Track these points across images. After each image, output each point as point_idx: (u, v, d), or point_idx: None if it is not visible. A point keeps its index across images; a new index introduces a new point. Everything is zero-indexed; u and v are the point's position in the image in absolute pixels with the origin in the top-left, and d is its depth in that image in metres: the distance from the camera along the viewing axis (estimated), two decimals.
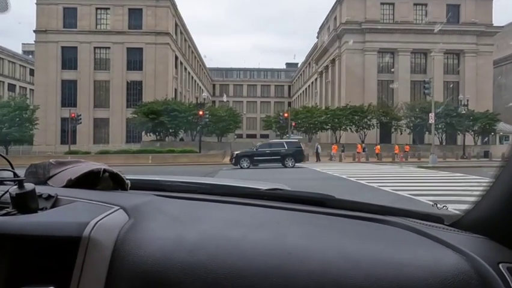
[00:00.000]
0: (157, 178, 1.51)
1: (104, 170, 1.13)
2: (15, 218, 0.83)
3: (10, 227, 0.78)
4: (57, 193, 0.98)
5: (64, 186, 1.10)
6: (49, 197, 0.96)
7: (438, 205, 1.33)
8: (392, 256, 0.81)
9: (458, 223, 1.03)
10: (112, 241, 0.80)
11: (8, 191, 0.91)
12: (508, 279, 0.75)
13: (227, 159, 35.23)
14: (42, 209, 0.91)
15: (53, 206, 0.94)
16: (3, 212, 0.87)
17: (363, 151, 36.16)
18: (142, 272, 0.76)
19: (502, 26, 52.71)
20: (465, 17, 51.56)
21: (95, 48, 52.39)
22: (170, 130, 44.40)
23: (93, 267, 0.77)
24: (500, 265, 0.77)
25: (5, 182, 0.98)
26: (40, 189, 0.94)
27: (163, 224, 0.89)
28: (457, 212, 1.09)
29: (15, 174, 0.95)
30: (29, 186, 0.89)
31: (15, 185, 0.89)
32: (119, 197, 1.02)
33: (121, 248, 0.80)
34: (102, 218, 0.84)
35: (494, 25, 52.10)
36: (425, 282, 0.74)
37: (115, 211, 0.90)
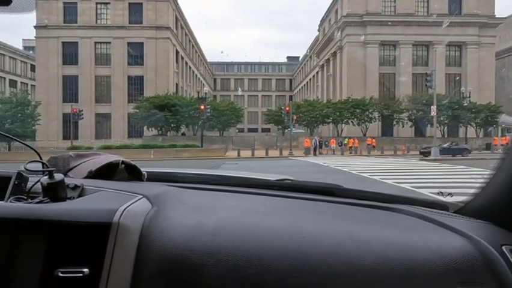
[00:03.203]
0: (170, 170, 1.56)
1: (122, 162, 1.17)
2: (49, 205, 0.88)
3: (46, 213, 0.83)
4: (82, 183, 1.03)
5: (85, 177, 1.14)
6: (75, 186, 1.00)
7: (444, 193, 1.37)
8: (400, 240, 0.85)
9: (463, 210, 1.07)
10: (138, 227, 0.86)
11: (39, 180, 0.95)
12: (511, 260, 0.80)
13: (229, 153, 35.27)
14: (70, 198, 0.95)
15: (79, 195, 0.98)
16: (37, 200, 0.92)
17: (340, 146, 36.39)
18: (168, 256, 0.81)
19: (505, 18, 52.27)
20: (467, 8, 51.13)
21: (95, 43, 52.26)
22: (172, 125, 44.38)
23: (123, 251, 0.82)
24: (504, 247, 0.82)
25: (35, 173, 1.04)
26: (65, 180, 0.97)
27: (183, 212, 0.94)
28: (461, 200, 1.14)
29: (45, 165, 0.99)
30: (58, 176, 0.93)
31: (46, 175, 0.93)
32: (140, 187, 1.07)
33: (147, 233, 0.85)
34: (129, 205, 0.89)
35: (497, 16, 51.67)
36: (433, 264, 0.78)
37: (139, 199, 0.95)
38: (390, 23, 49.84)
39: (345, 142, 36.99)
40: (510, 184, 0.87)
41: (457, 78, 51.81)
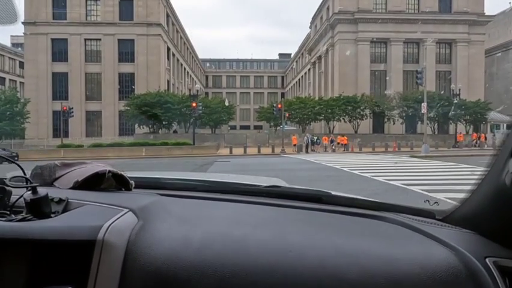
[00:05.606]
0: (158, 176, 1.55)
1: (109, 171, 1.17)
2: (32, 223, 0.87)
3: (29, 232, 0.82)
4: (67, 196, 1.01)
5: (71, 188, 1.13)
6: (60, 200, 0.98)
7: (430, 201, 1.39)
8: (385, 251, 0.86)
9: (449, 218, 1.08)
10: (124, 243, 0.84)
11: (22, 196, 0.94)
12: (494, 273, 0.80)
13: (221, 151, 35.24)
14: (54, 213, 0.93)
15: (64, 209, 0.97)
16: (20, 217, 0.90)
17: (331, 143, 36.60)
18: (153, 271, 0.80)
19: (494, 15, 52.88)
20: (457, 6, 51.62)
21: (85, 40, 51.73)
22: (164, 122, 44.17)
23: (108, 268, 0.81)
24: (487, 259, 0.83)
25: (18, 187, 1.02)
26: (50, 192, 0.95)
27: (169, 225, 0.94)
28: (449, 203, 1.15)
29: (27, 181, 0.98)
30: (42, 191, 0.92)
31: (29, 190, 0.92)
32: (126, 199, 1.06)
33: (132, 249, 0.84)
34: (114, 221, 0.88)
35: (486, 14, 52.25)
36: (417, 277, 0.78)
37: (124, 214, 0.94)
38: (381, 21, 50.09)
39: (316, 140, 37.11)
40: (495, 192, 0.86)
41: (447, 75, 52.34)
